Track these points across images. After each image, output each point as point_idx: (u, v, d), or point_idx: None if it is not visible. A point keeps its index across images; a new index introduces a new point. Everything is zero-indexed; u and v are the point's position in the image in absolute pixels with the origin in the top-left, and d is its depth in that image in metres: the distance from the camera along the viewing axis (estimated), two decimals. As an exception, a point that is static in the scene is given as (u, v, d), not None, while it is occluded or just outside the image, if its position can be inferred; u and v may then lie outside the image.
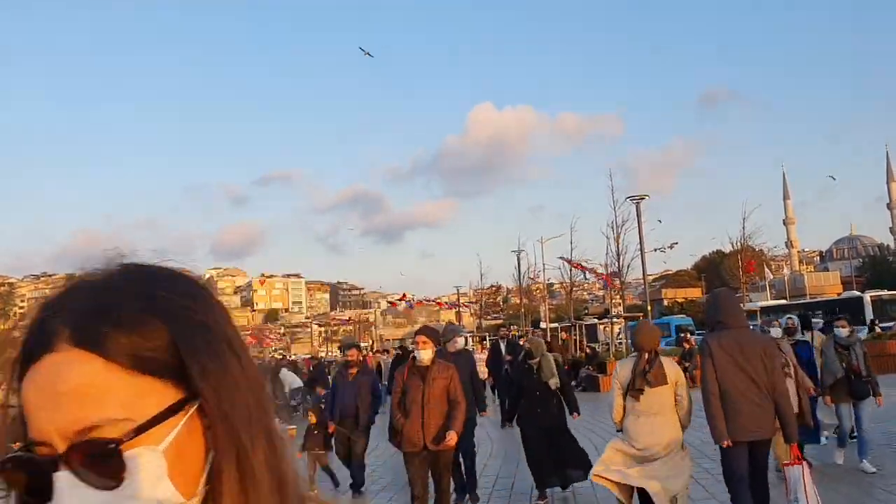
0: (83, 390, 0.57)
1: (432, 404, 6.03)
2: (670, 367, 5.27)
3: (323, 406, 9.45)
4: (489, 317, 66.33)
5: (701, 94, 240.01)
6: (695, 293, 66.10)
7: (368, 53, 69.14)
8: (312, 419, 9.07)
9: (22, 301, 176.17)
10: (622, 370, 5.33)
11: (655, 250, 30.90)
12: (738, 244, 26.36)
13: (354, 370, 8.95)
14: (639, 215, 20.25)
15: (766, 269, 33.73)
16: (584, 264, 30.53)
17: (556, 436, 7.42)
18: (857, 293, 35.26)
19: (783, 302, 36.35)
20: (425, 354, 6.20)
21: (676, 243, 31.09)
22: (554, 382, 7.37)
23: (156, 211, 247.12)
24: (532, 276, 39.23)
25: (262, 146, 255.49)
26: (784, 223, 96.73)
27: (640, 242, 20.63)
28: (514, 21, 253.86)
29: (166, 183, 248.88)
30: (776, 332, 7.96)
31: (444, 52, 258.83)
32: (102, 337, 0.59)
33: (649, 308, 21.70)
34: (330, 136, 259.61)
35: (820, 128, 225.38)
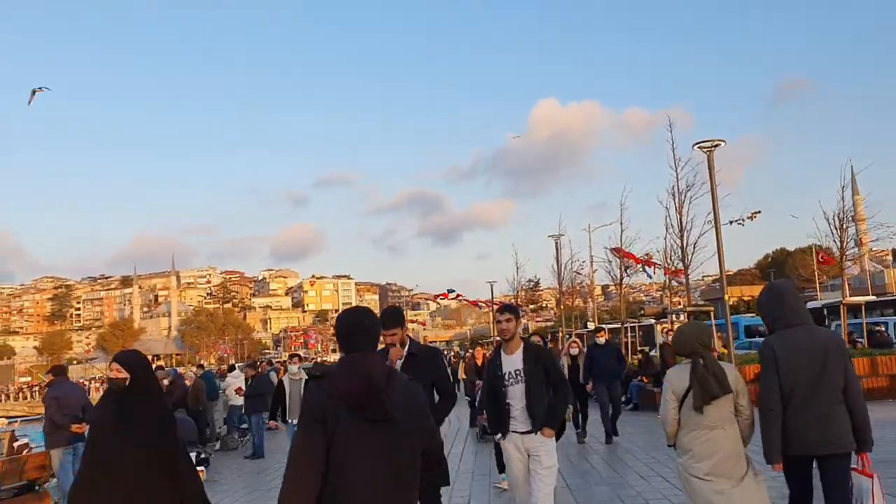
0: None
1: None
2: (731, 373, 4.60)
3: None
4: (538, 318, 63.54)
5: (772, 89, 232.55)
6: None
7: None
8: None
9: (78, 303, 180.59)
10: (677, 379, 4.68)
11: (731, 222, 23.44)
12: (837, 219, 19.12)
13: None
14: (711, 169, 14.86)
15: (846, 263, 29.47)
16: (638, 255, 25.06)
17: None
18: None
19: (872, 299, 32.56)
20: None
21: (759, 212, 24.37)
22: None
23: (219, 214, 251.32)
24: (577, 270, 33.72)
25: (323, 148, 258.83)
26: (853, 220, 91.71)
27: (714, 205, 15.13)
28: (581, 17, 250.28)
29: (230, 186, 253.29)
30: None
31: (509, 48, 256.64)
32: None
33: (726, 295, 16.02)
34: (392, 136, 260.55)
35: (892, 122, 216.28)
